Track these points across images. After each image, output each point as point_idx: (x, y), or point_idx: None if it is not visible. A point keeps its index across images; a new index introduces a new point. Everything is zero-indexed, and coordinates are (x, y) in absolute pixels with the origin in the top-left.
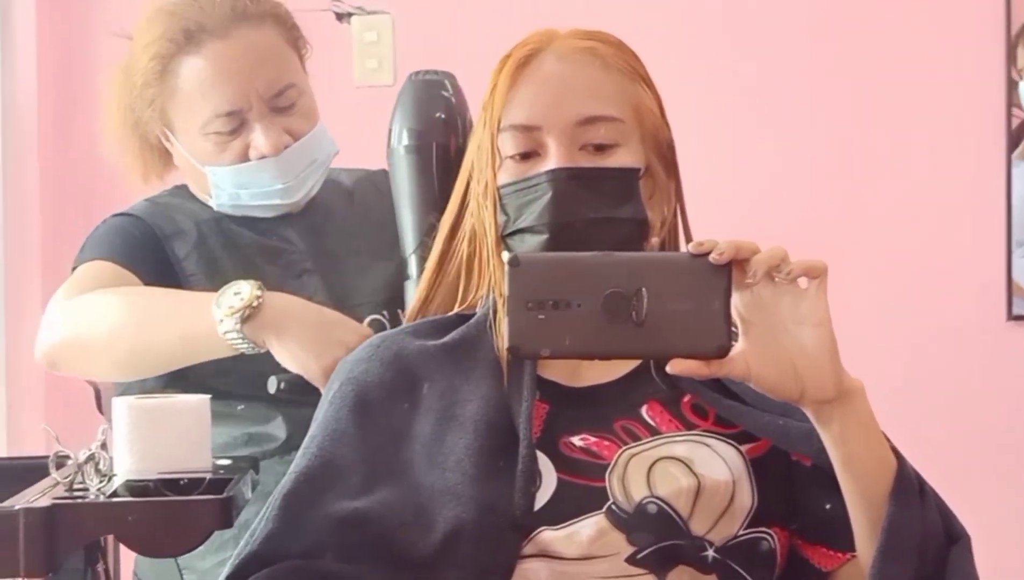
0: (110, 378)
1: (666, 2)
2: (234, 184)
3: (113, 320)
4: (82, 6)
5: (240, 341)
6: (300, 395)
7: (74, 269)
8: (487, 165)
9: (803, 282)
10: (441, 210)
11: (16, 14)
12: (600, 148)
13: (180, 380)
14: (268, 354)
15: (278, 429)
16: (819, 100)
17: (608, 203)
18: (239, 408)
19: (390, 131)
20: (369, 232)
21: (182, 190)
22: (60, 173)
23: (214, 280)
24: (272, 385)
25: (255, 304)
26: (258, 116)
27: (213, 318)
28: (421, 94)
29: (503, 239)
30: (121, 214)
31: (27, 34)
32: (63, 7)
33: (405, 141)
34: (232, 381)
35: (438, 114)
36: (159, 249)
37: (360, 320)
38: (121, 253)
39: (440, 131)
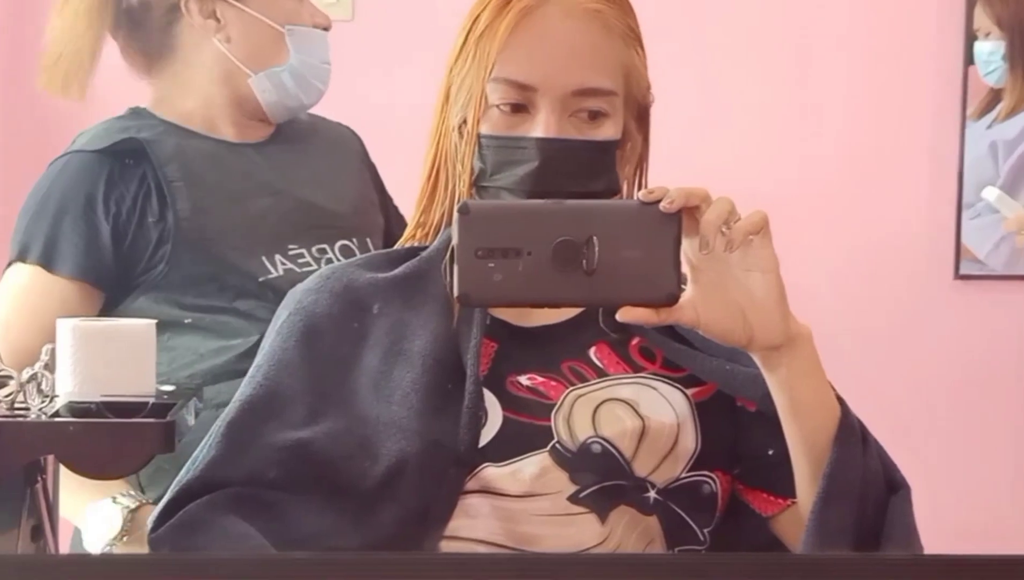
0: None
1: None
2: (303, 50)
3: None
4: None
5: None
6: None
7: (15, 260)
8: (472, 107)
9: None
10: None
11: None
12: (592, 116)
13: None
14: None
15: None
16: (774, 54)
17: (588, 175)
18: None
19: None
20: (336, 165)
21: (140, 112)
22: (14, 104)
23: (194, 190)
24: None
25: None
26: None
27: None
28: None
29: (475, 187)
30: (77, 151)
31: None
32: None
33: None
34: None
35: None
36: (129, 175)
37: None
38: (67, 258)
39: None
